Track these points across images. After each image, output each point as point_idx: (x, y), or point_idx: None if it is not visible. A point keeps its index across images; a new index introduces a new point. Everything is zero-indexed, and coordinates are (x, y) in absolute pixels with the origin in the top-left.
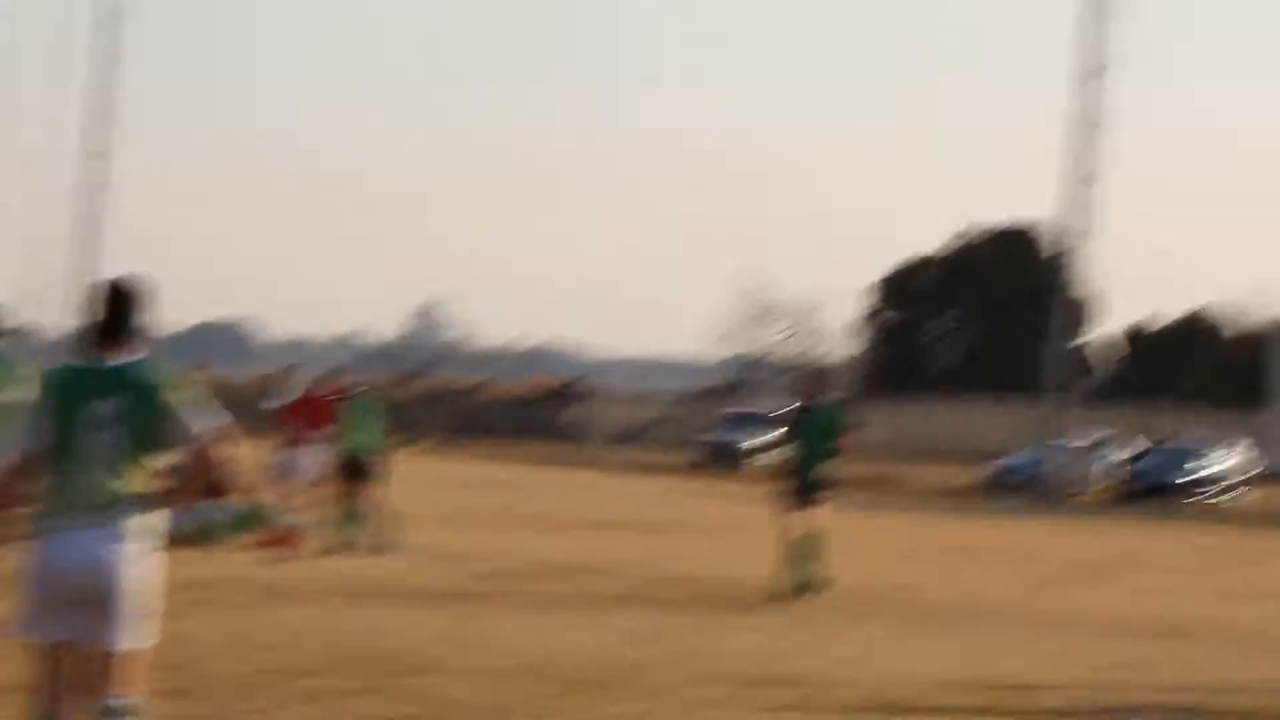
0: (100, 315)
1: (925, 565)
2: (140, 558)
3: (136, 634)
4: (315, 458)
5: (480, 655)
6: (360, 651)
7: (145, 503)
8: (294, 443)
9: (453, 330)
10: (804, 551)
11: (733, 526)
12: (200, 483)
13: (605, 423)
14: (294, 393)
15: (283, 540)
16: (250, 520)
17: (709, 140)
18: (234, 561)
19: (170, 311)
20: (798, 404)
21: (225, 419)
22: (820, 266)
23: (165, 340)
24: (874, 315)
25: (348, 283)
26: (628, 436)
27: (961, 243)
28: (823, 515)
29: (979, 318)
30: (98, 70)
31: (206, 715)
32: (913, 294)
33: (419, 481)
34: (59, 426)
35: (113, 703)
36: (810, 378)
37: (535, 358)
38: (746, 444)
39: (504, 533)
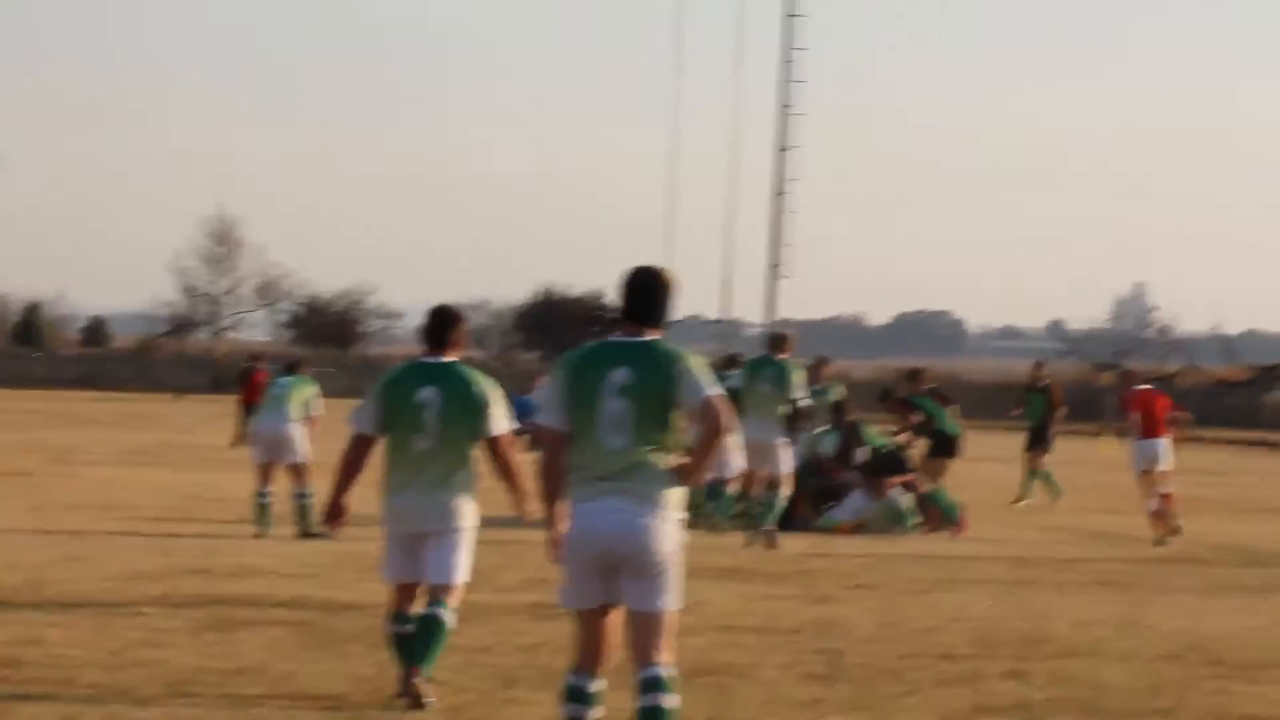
0: (630, 299)
1: None
2: (664, 523)
3: (667, 598)
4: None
5: (1140, 638)
6: (1016, 634)
7: (665, 470)
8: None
9: (1157, 316)
10: None
11: None
12: (711, 449)
13: None
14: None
15: (950, 523)
16: (921, 506)
17: None
18: (898, 545)
19: (875, 304)
20: None
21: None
22: None
23: (873, 330)
24: None
25: (1055, 271)
26: None
27: None
28: None
29: None
30: (783, 66)
31: (852, 696)
32: None
33: (1096, 467)
34: (577, 402)
35: (651, 672)
36: None
37: (1237, 344)
38: None
39: (1184, 518)
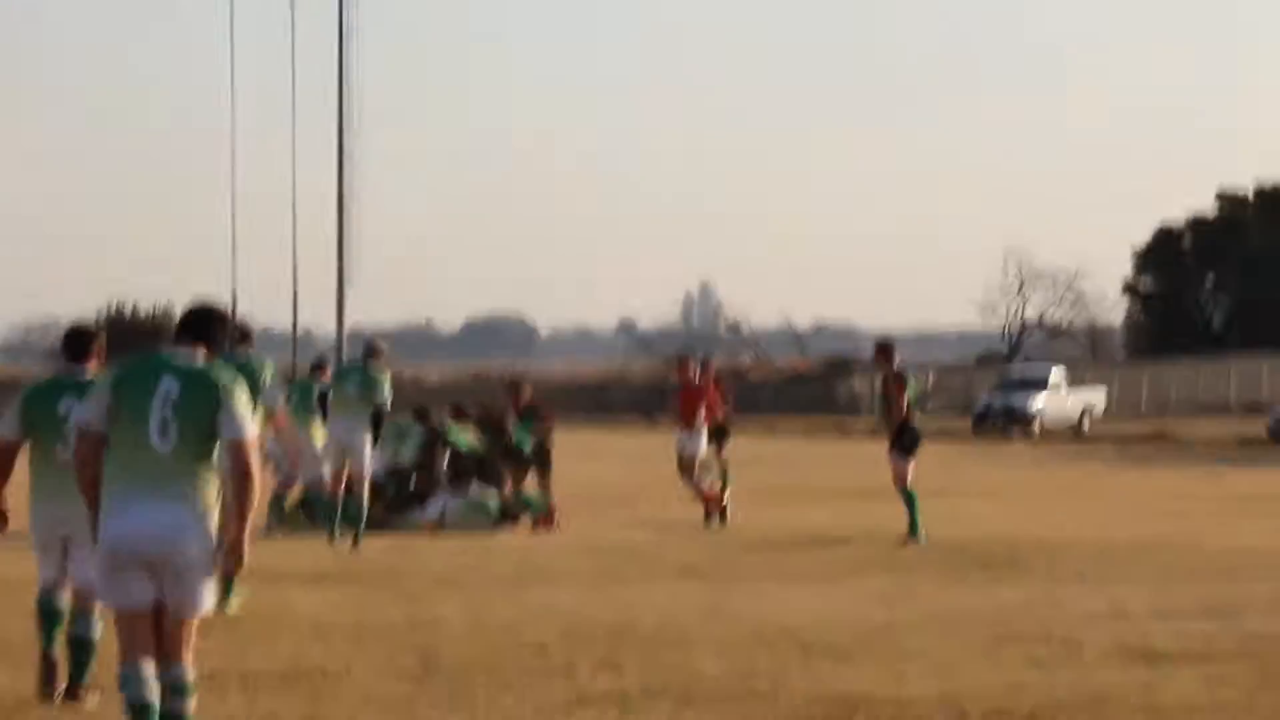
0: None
1: (1199, 519)
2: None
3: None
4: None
5: (730, 626)
6: (608, 627)
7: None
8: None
9: (726, 312)
10: None
11: (1007, 489)
12: (239, 475)
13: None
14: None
15: (543, 521)
16: (515, 506)
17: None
18: (485, 543)
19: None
20: None
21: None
22: (1082, 232)
23: (451, 334)
24: (1137, 278)
25: (625, 269)
26: None
27: (1223, 203)
28: None
29: (1241, 277)
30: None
31: (447, 694)
32: (1174, 256)
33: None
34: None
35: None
36: None
37: (806, 337)
38: (1033, 405)
39: (767, 506)
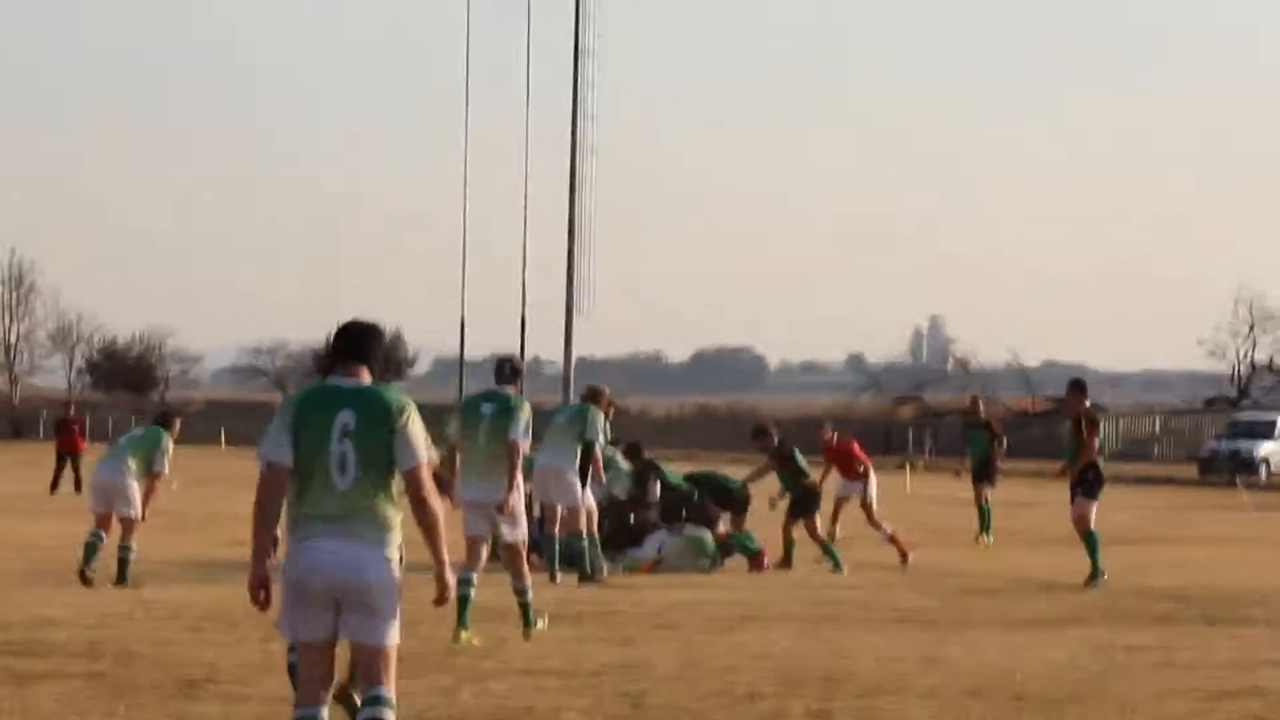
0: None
1: None
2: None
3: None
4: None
5: (944, 673)
6: (819, 672)
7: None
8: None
9: (955, 349)
10: None
11: (1233, 537)
12: (418, 503)
13: (1108, 437)
14: None
15: (756, 562)
16: (729, 547)
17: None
18: (700, 584)
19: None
20: None
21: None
22: None
23: (673, 367)
24: None
25: (853, 305)
26: (1131, 449)
27: None
28: None
29: None
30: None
31: None
32: None
33: (903, 501)
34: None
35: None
36: None
37: (1034, 375)
38: (1259, 452)
39: (985, 550)
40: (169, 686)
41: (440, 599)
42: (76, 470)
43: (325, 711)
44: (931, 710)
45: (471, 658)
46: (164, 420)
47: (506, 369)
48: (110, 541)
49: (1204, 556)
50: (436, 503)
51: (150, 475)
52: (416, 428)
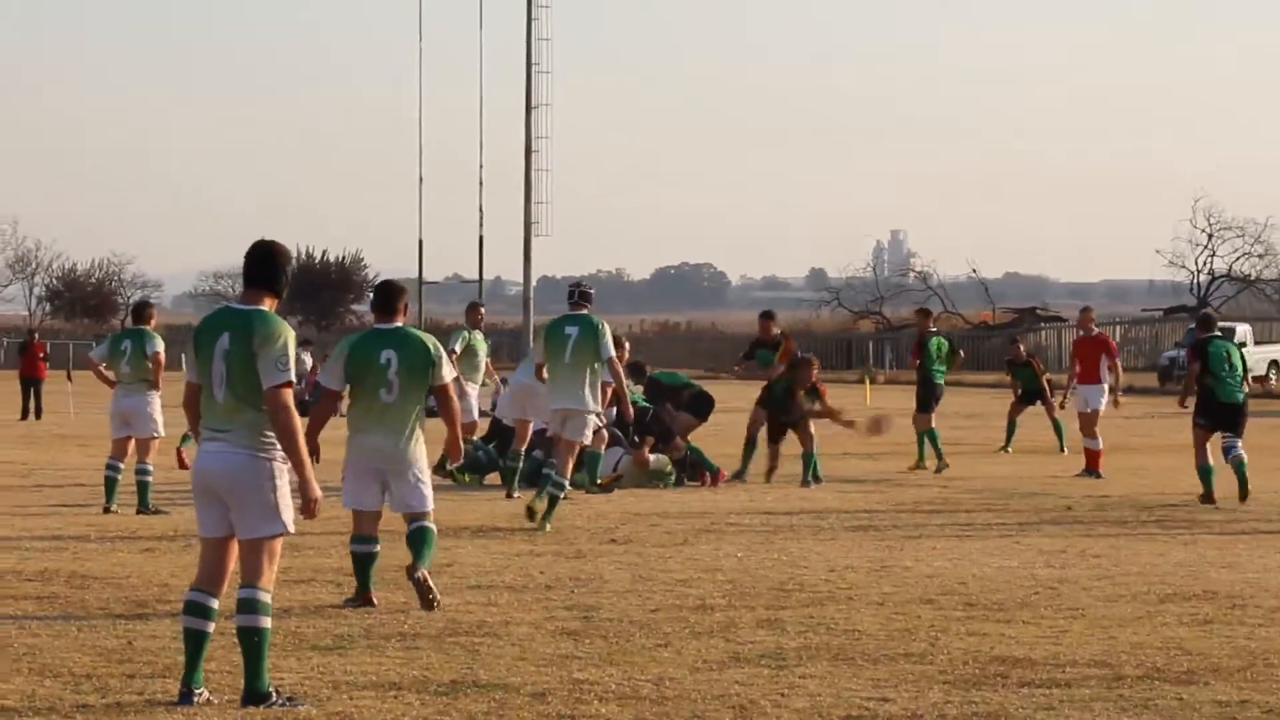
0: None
1: None
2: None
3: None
4: None
5: (895, 582)
6: (770, 584)
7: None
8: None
9: (915, 263)
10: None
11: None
12: (273, 419)
13: (1066, 347)
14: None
15: (713, 480)
16: (687, 464)
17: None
18: (655, 500)
19: (636, 260)
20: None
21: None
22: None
23: (635, 285)
24: None
25: (814, 222)
26: None
27: None
28: None
29: None
30: (529, 24)
31: (604, 651)
32: None
33: (863, 415)
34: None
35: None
36: None
37: (995, 288)
38: None
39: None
40: (119, 607)
41: (308, 509)
42: (39, 398)
43: (214, 602)
44: (881, 618)
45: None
46: (141, 314)
47: (576, 294)
48: (127, 470)
49: (1161, 464)
50: (290, 420)
51: (155, 362)
52: (275, 352)
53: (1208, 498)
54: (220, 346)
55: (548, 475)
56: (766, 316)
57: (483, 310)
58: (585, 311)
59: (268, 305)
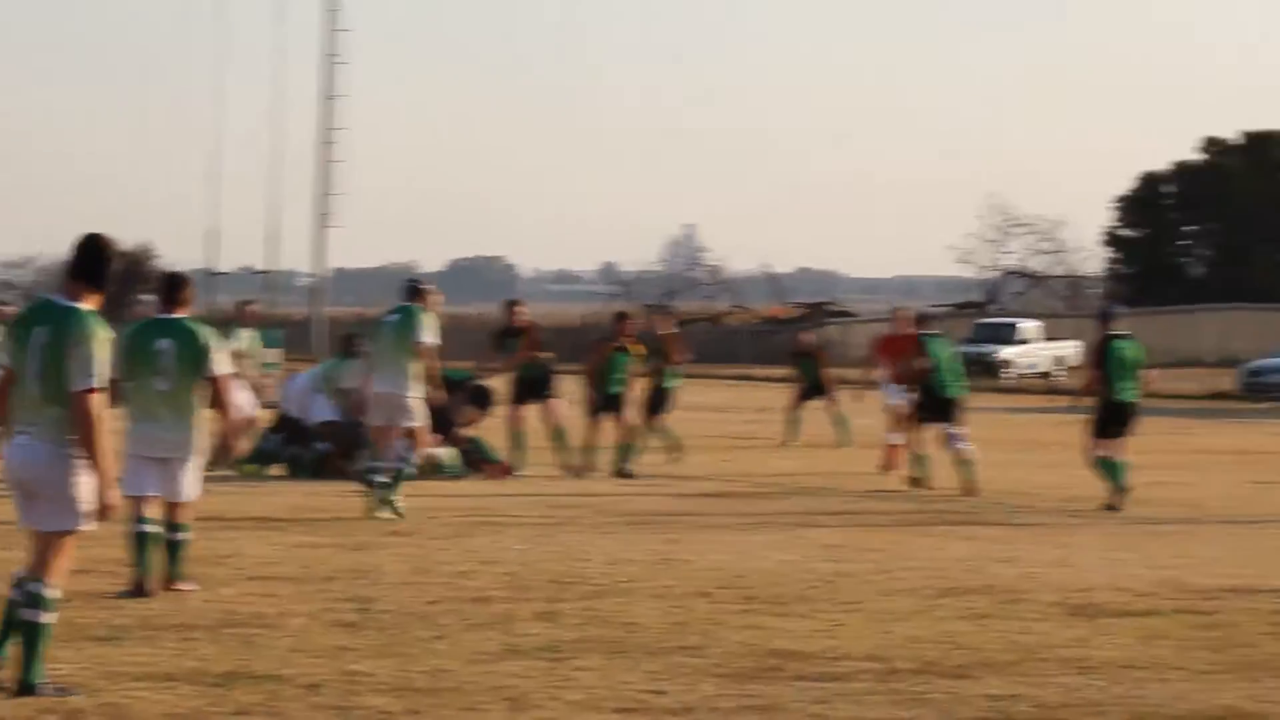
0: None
1: (1160, 473)
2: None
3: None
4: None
5: (675, 575)
6: (549, 576)
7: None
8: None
9: (706, 257)
10: None
11: (974, 438)
12: (77, 423)
13: (858, 343)
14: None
15: (497, 470)
16: (470, 456)
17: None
18: (441, 494)
19: (428, 252)
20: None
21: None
22: (1064, 181)
23: (427, 277)
24: (1119, 227)
25: (606, 215)
26: None
27: (1210, 150)
28: None
29: (1226, 226)
30: (327, 15)
31: (379, 643)
32: (1158, 205)
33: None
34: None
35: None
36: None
37: (786, 282)
38: (1000, 355)
39: (731, 455)
40: None
41: (103, 513)
42: None
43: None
44: (659, 610)
45: (204, 565)
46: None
47: (409, 287)
48: None
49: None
50: (91, 427)
51: None
52: (85, 354)
53: (918, 483)
54: (37, 340)
55: (374, 469)
56: (513, 304)
57: (253, 306)
58: (410, 303)
59: (90, 301)
